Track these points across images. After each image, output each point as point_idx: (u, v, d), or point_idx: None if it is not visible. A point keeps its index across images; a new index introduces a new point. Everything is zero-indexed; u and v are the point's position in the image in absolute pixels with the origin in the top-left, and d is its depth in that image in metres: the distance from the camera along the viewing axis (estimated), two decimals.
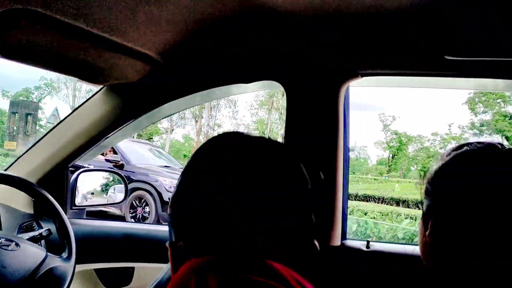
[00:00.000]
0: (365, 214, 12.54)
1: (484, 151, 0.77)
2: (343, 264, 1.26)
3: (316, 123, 1.24)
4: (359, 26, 1.07)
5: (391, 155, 28.12)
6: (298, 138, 1.26)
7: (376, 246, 1.26)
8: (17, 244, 1.31)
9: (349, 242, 1.30)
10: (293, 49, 1.24)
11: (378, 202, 16.79)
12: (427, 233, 0.79)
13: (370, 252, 1.25)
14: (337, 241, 1.28)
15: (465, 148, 0.80)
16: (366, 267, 1.22)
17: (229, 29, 1.22)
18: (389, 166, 27.84)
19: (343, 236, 1.31)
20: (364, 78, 1.22)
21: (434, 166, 0.83)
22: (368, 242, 1.27)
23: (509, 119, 21.26)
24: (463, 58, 1.00)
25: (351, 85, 1.26)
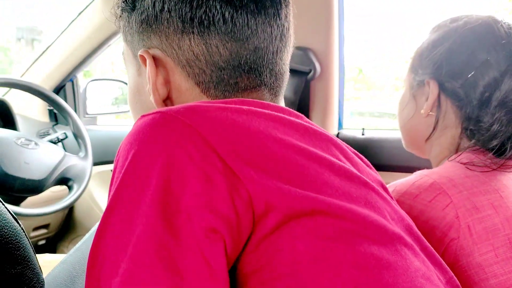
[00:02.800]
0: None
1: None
2: None
3: (311, 12, 1.25)
4: None
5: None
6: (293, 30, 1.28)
7: (370, 133, 1.33)
8: (36, 144, 1.41)
9: (345, 131, 1.37)
10: None
11: (392, 118, 16.76)
12: (425, 107, 0.80)
13: (365, 139, 1.32)
14: (334, 130, 1.35)
15: (463, 20, 0.80)
16: (362, 153, 1.29)
17: None
18: None
19: (340, 126, 1.38)
20: None
21: (428, 36, 0.83)
22: (363, 129, 1.33)
23: None
24: None
25: None
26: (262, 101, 0.52)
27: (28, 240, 0.50)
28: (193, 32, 0.51)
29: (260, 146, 0.43)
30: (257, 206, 0.40)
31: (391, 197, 0.56)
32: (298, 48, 1.29)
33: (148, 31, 0.54)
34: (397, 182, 0.74)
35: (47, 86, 1.70)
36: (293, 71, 1.29)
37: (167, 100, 0.55)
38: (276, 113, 0.48)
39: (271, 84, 0.56)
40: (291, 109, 0.53)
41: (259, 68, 0.54)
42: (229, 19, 0.50)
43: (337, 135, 1.36)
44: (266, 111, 0.48)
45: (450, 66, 0.77)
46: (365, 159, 0.61)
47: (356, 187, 0.47)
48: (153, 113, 0.44)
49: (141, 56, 0.54)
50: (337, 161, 0.48)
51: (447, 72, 0.77)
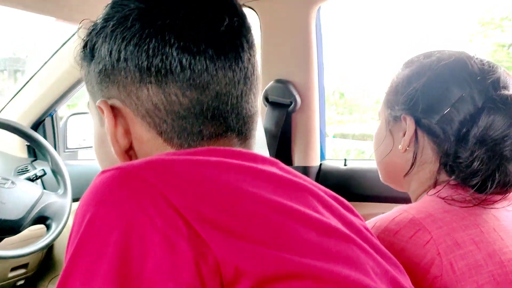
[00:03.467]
0: (363, 152, 12.70)
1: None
2: (321, 182, 1.33)
3: (290, 46, 1.27)
4: None
5: None
6: (273, 63, 1.29)
7: (353, 164, 1.33)
8: (13, 183, 1.37)
9: (327, 162, 1.37)
10: None
11: None
12: (402, 143, 0.80)
13: (347, 170, 1.32)
14: (316, 162, 1.35)
15: (436, 56, 0.81)
16: (344, 184, 1.30)
17: None
18: None
19: (322, 157, 1.38)
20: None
21: (401, 71, 0.84)
22: (345, 160, 1.34)
23: (507, 49, 20.94)
24: None
25: (322, 6, 1.27)
26: (231, 148, 0.50)
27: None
28: (150, 82, 0.49)
29: (230, 204, 0.40)
30: (226, 272, 0.37)
31: (373, 244, 0.53)
32: (278, 81, 1.30)
33: (106, 81, 0.52)
34: (377, 218, 0.73)
35: (26, 121, 1.67)
36: (274, 104, 1.31)
37: (131, 150, 0.53)
38: (247, 163, 0.46)
39: (239, 128, 0.53)
40: (264, 156, 0.51)
41: (224, 114, 0.51)
42: (187, 66, 0.48)
43: (320, 166, 1.36)
44: (236, 161, 0.46)
45: (426, 102, 0.78)
46: (346, 203, 0.59)
47: (335, 241, 0.45)
48: (112, 170, 0.41)
49: (100, 106, 0.52)
50: (314, 213, 0.46)
51: (423, 109, 0.78)
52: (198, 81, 0.49)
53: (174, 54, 0.48)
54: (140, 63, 0.49)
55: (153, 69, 0.48)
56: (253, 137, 0.56)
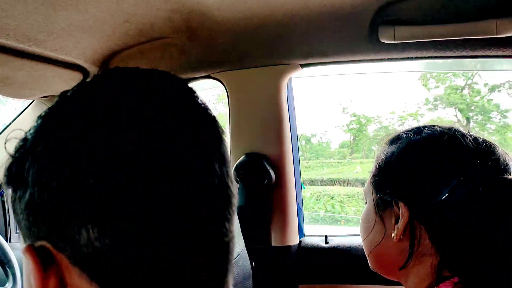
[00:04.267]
0: (332, 198, 12.69)
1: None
2: (302, 263, 1.22)
3: (261, 118, 1.19)
4: (293, 21, 1.02)
5: (352, 137, 28.68)
6: (243, 136, 1.21)
7: (335, 241, 1.23)
8: None
9: (307, 239, 1.27)
10: (230, 47, 1.18)
11: (343, 185, 17.03)
12: (395, 231, 0.71)
13: (329, 249, 1.22)
14: (294, 240, 1.24)
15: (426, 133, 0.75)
16: (326, 264, 1.19)
17: (159, 34, 1.14)
18: (351, 148, 28.39)
19: (301, 234, 1.28)
20: (305, 69, 1.17)
21: (388, 147, 0.77)
22: (326, 237, 1.24)
23: (460, 92, 22.05)
24: (398, 41, 0.97)
25: (293, 76, 1.22)
26: None
27: None
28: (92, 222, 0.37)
29: None
30: None
31: None
32: (249, 154, 1.21)
33: (34, 217, 0.40)
34: None
35: None
36: (246, 180, 1.22)
37: None
38: None
39: None
40: None
41: None
42: None
43: (299, 245, 1.25)
44: None
45: (420, 186, 0.70)
46: None
47: None
48: None
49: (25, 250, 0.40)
50: None
51: (417, 193, 0.70)
52: None
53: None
54: (78, 196, 0.37)
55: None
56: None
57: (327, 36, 1.06)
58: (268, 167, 1.19)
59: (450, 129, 0.74)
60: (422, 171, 0.70)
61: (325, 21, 1.01)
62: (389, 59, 1.07)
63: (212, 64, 1.21)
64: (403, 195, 0.71)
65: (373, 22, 0.98)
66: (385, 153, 0.77)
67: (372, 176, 0.79)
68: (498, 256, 0.63)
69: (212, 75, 1.24)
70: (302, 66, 1.17)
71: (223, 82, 1.24)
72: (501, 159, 0.69)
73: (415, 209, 0.70)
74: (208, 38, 1.07)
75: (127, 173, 0.36)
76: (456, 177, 0.67)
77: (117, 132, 0.38)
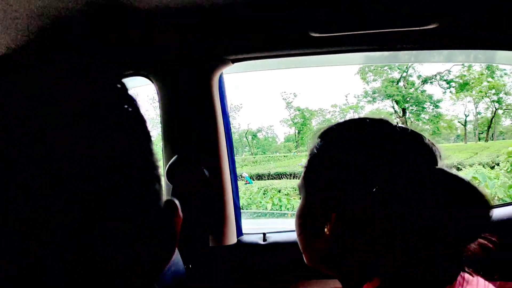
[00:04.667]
0: (279, 191, 12.88)
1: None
2: (241, 262, 1.19)
3: (192, 115, 1.15)
4: (220, 16, 0.98)
5: (297, 131, 29.26)
6: (175, 134, 1.16)
7: (273, 237, 1.22)
8: None
9: (246, 238, 1.24)
10: (157, 43, 1.12)
11: (290, 178, 17.34)
12: (328, 227, 0.69)
13: (267, 245, 1.20)
14: (232, 239, 1.21)
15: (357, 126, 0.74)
16: (264, 261, 1.17)
17: (79, 25, 1.06)
18: (296, 141, 28.95)
19: (239, 232, 1.25)
20: (235, 64, 1.14)
21: (319, 142, 0.75)
22: (264, 234, 1.22)
23: (396, 84, 23.13)
24: (327, 34, 0.96)
25: (224, 71, 1.18)
26: None
27: None
28: None
29: None
30: None
31: None
32: (181, 155, 1.16)
33: None
34: None
35: None
36: (179, 180, 1.16)
37: None
38: None
39: None
40: None
41: None
42: None
43: (238, 243, 1.22)
44: None
45: (349, 181, 0.68)
46: None
47: None
48: None
49: None
50: None
51: (347, 189, 0.69)
52: None
53: None
54: None
55: None
56: None
57: (256, 30, 1.03)
58: (202, 166, 1.15)
59: (378, 120, 0.74)
60: (350, 164, 0.69)
61: (254, 15, 0.98)
62: (319, 53, 1.06)
63: (137, 61, 1.15)
64: (333, 190, 0.70)
65: (302, 17, 0.96)
66: (316, 147, 0.76)
67: (304, 170, 0.78)
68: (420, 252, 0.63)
69: (142, 73, 1.17)
70: (233, 61, 1.13)
71: (152, 80, 1.18)
72: (429, 149, 0.69)
73: (344, 204, 0.69)
74: (129, 32, 1.01)
75: None
76: (385, 170, 0.66)
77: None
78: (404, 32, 0.95)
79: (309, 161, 0.77)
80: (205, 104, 1.14)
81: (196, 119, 1.15)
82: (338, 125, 0.76)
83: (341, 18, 0.93)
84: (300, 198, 0.79)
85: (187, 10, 0.95)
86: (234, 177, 1.23)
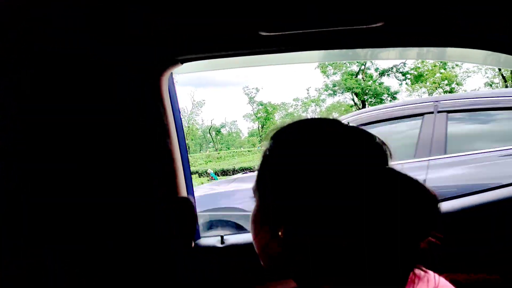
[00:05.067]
0: None
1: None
2: (198, 265, 1.17)
3: (142, 118, 1.11)
4: (168, 16, 0.95)
5: (260, 126, 29.33)
6: (121, 135, 1.11)
7: (230, 239, 1.20)
8: None
9: (203, 241, 1.22)
10: (99, 45, 1.07)
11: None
12: (279, 234, 0.69)
13: (225, 248, 1.18)
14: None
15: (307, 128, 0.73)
16: (222, 264, 1.15)
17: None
18: (260, 136, 29.03)
19: (196, 235, 1.22)
20: (185, 64, 1.11)
21: (271, 143, 0.74)
22: (222, 237, 1.20)
23: (356, 77, 23.62)
24: (277, 33, 0.95)
25: (174, 72, 1.14)
26: None
27: None
28: None
29: None
30: None
31: None
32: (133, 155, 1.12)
33: None
34: None
35: None
36: None
37: None
38: None
39: None
40: None
41: None
42: None
43: (194, 247, 1.20)
44: None
45: (299, 185, 0.67)
46: None
47: None
48: None
49: None
50: None
51: (296, 193, 0.68)
52: None
53: None
54: None
55: None
56: None
57: (205, 30, 1.01)
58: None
59: (329, 121, 0.74)
60: (298, 168, 0.68)
61: (202, 14, 0.95)
62: (269, 51, 1.05)
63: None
64: (281, 193, 0.69)
65: (252, 16, 0.94)
66: (267, 149, 0.75)
67: (257, 174, 0.76)
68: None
69: None
70: (182, 61, 1.10)
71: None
72: (379, 148, 0.69)
73: (294, 208, 0.68)
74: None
75: None
76: (334, 172, 0.66)
77: None
78: (352, 31, 0.96)
79: (261, 165, 0.76)
80: (154, 105, 1.11)
81: (146, 121, 1.11)
82: (288, 127, 0.75)
83: (289, 17, 0.92)
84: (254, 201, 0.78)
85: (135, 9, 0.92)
86: (189, 179, 1.20)
